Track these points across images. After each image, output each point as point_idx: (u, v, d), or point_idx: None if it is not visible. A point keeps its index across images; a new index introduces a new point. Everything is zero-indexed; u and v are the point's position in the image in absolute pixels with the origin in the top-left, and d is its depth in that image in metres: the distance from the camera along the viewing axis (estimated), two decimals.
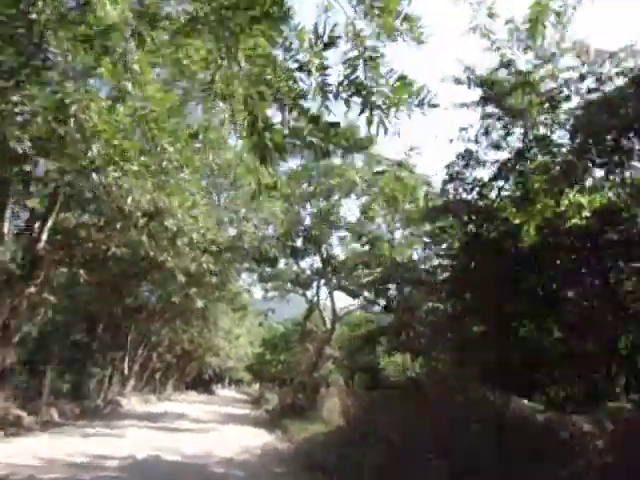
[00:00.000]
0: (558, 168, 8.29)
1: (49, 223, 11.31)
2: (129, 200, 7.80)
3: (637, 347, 7.51)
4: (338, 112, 5.28)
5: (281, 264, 25.27)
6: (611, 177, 7.84)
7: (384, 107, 5.14)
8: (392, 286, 8.72)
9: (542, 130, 8.18)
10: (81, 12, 5.75)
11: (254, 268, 24.75)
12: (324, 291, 25.17)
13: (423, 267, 8.63)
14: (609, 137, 7.32)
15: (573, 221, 8.16)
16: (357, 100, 5.29)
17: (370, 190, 20.17)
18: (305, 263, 26.18)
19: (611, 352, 7.59)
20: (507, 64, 8.06)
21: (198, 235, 9.46)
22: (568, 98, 7.86)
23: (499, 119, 8.44)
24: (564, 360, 7.69)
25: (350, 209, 23.34)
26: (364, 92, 5.23)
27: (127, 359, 25.17)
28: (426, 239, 8.64)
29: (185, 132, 7.31)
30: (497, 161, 8.21)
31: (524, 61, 8.02)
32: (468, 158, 8.08)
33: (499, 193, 8.45)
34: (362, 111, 5.26)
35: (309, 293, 25.30)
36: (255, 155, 5.37)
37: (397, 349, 9.44)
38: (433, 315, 8.33)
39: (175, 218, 7.81)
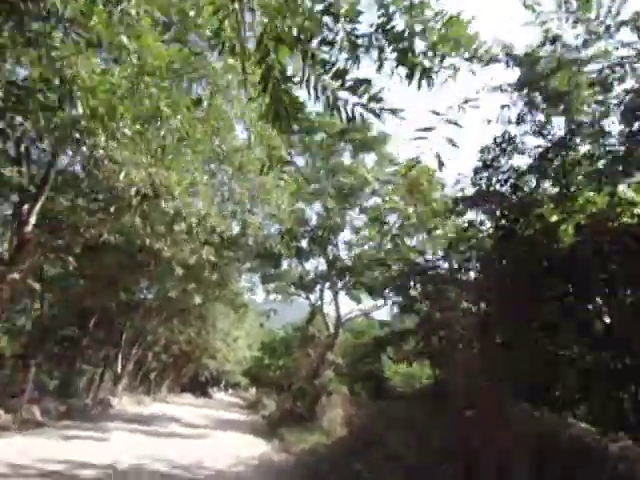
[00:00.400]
0: (606, 159, 7.35)
1: (38, 205, 10.43)
2: (122, 176, 6.89)
3: None
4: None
5: (285, 265, 24.41)
6: None
7: (428, 57, 4.24)
8: (413, 284, 7.82)
9: (589, 116, 7.25)
10: None
11: (256, 268, 23.88)
12: (328, 295, 24.21)
13: (447, 266, 7.72)
14: None
15: (622, 220, 7.23)
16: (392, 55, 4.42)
17: (382, 189, 19.30)
18: (310, 265, 25.34)
19: None
20: (553, 40, 7.16)
21: (199, 223, 8.52)
22: (622, 79, 6.93)
23: (538, 104, 7.51)
24: (610, 377, 6.69)
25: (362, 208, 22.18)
26: (403, 43, 4.34)
27: (121, 357, 24.22)
28: (451, 235, 7.71)
29: (186, 100, 6.40)
30: (538, 146, 7.27)
31: (572, 36, 7.12)
32: (507, 142, 7.17)
33: (537, 186, 7.51)
34: (399, 64, 4.38)
35: (312, 296, 24.35)
36: (268, 116, 4.50)
37: (423, 354, 8.46)
38: (468, 317, 7.38)
39: (172, 198, 6.91)
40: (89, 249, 12.67)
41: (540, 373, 6.78)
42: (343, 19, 4.25)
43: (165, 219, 9.08)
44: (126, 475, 7.71)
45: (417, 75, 4.29)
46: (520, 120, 7.16)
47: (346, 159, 22.00)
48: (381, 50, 4.42)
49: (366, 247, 23.93)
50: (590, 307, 7.67)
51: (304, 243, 22.82)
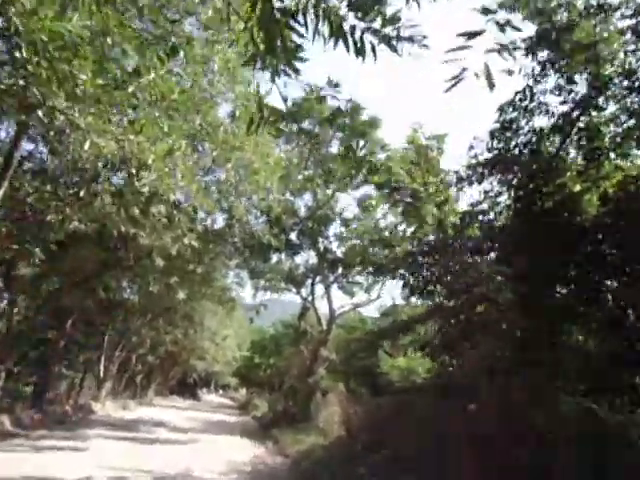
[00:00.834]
0: (636, 120, 6.55)
1: (1, 192, 9.33)
2: (86, 145, 5.89)
3: None
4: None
5: (274, 258, 23.44)
6: None
7: None
8: (427, 264, 6.96)
9: (618, 70, 6.45)
10: None
11: (243, 264, 22.88)
12: (320, 289, 23.33)
13: (460, 244, 6.87)
14: None
15: None
16: None
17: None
18: (300, 259, 24.40)
19: None
20: None
21: (178, 205, 7.53)
22: None
23: (559, 61, 6.68)
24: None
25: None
26: None
27: (103, 360, 23.03)
28: (466, 209, 6.88)
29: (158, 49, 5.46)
30: (564, 102, 6.45)
31: None
32: (528, 98, 6.34)
33: (558, 151, 6.70)
34: None
35: (304, 291, 23.44)
36: (255, 57, 3.61)
37: (447, 346, 7.58)
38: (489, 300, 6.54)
39: (146, 168, 5.93)
40: (60, 243, 11.61)
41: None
42: None
43: (140, 199, 8.04)
44: None
45: None
46: (541, 75, 6.33)
47: (334, 149, 21.11)
48: None
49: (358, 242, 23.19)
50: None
51: (293, 236, 21.91)
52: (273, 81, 4.76)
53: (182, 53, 5.48)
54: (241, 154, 8.73)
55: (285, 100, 4.52)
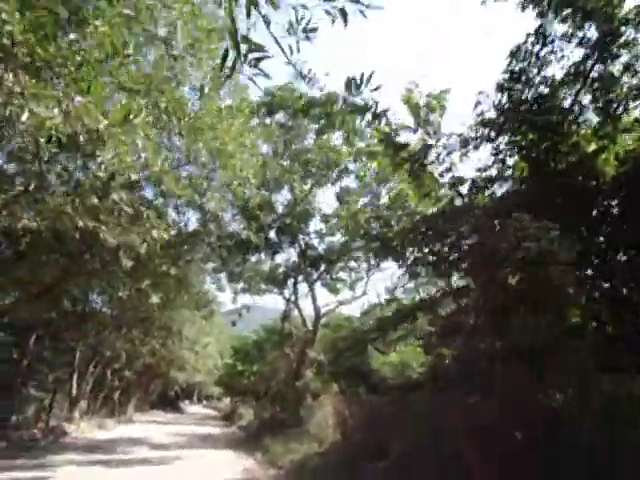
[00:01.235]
0: None
1: None
2: (24, 116, 4.82)
3: None
4: None
5: (253, 259, 22.38)
6: None
7: None
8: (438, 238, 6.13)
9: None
10: None
11: (222, 268, 21.73)
12: (303, 288, 22.38)
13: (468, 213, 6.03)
14: None
15: None
16: None
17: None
18: (280, 258, 23.41)
19: None
20: None
21: (136, 182, 6.40)
22: None
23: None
24: None
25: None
26: None
27: (75, 378, 21.51)
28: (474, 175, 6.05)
29: None
30: (581, 44, 5.68)
31: None
32: (541, 42, 5.55)
33: (571, 106, 5.94)
34: None
35: (286, 292, 22.42)
36: None
37: (456, 331, 6.72)
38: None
39: (100, 142, 4.90)
40: (14, 250, 10.38)
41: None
42: None
43: (97, 184, 6.91)
44: None
45: None
46: (555, 12, 5.55)
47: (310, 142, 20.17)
48: None
49: (338, 236, 22.36)
50: None
51: (272, 234, 20.89)
52: (249, 15, 3.83)
53: None
54: (213, 134, 7.73)
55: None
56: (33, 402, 18.85)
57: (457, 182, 5.85)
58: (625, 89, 6.02)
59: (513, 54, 5.67)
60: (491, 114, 5.74)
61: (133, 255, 9.81)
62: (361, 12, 3.50)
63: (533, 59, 5.61)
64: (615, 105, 5.99)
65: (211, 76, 8.17)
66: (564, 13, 5.48)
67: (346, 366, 20.03)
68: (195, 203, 11.90)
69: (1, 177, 7.87)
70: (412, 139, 5.96)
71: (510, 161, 5.92)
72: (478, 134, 5.70)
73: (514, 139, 5.82)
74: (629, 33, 5.98)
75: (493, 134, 5.70)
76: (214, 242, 18.35)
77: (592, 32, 5.93)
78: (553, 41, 5.61)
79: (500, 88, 5.65)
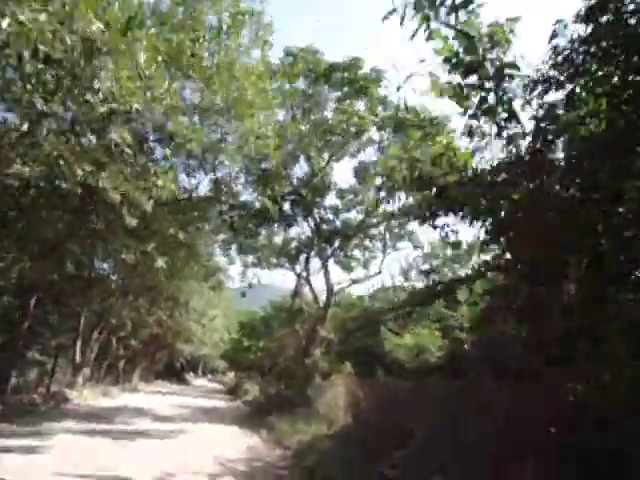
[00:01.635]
0: None
1: None
2: (5, 23, 3.95)
3: None
4: None
5: (265, 232, 21.54)
6: None
7: None
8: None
9: None
10: None
11: (232, 240, 20.95)
12: (316, 264, 21.60)
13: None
14: None
15: None
16: None
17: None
18: (293, 232, 22.57)
19: None
20: None
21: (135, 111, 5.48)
22: None
23: None
24: None
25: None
26: None
27: (79, 344, 21.07)
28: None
29: None
30: None
31: None
32: None
33: None
34: None
35: (298, 267, 21.62)
36: None
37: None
38: None
39: (94, 58, 4.01)
40: (15, 205, 9.64)
41: None
42: None
43: (93, 115, 5.99)
44: None
45: None
46: None
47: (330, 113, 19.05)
48: None
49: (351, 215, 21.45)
50: None
51: (287, 206, 20.00)
52: None
53: None
54: (229, 75, 6.80)
55: None
56: (35, 366, 18.47)
57: (517, 135, 4.88)
58: None
59: None
60: (568, 51, 4.76)
61: (138, 214, 9.01)
62: None
63: None
64: None
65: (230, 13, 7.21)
66: None
67: (356, 346, 19.36)
68: (205, 161, 10.99)
69: None
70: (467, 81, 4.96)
71: (583, 110, 4.93)
72: (550, 74, 4.74)
73: (593, 82, 4.84)
74: None
75: (568, 75, 4.72)
76: (226, 210, 17.56)
77: None
78: None
79: (582, 18, 4.66)
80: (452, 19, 3.94)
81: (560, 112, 4.99)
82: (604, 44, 4.78)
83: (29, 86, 4.84)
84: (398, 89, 4.95)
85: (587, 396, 5.60)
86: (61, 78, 4.97)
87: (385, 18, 3.79)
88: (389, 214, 20.87)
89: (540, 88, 4.93)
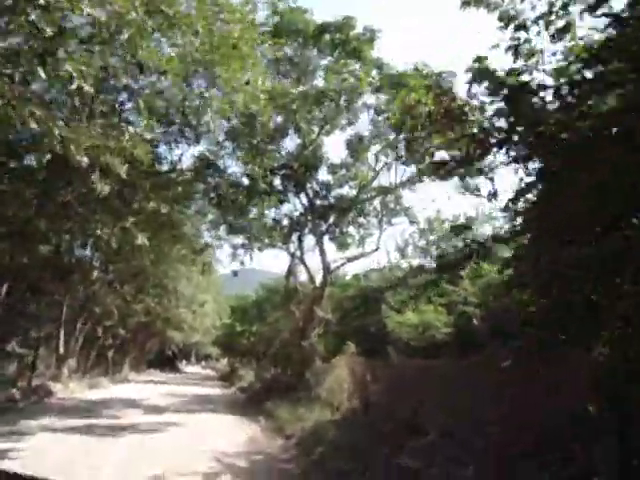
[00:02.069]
0: None
1: None
2: None
3: None
4: None
5: (254, 211, 20.37)
6: None
7: None
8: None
9: None
10: None
11: (220, 220, 19.78)
12: (310, 241, 20.52)
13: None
14: None
15: None
16: None
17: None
18: (285, 209, 21.44)
19: None
20: None
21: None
22: None
23: None
24: None
25: None
26: None
27: (63, 335, 19.93)
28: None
29: None
30: None
31: None
32: None
33: None
34: None
35: (291, 246, 20.54)
36: None
37: None
38: None
39: None
40: None
41: None
42: None
43: (38, 43, 4.73)
44: None
45: None
46: None
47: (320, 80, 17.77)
48: None
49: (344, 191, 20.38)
50: None
51: (277, 181, 18.85)
52: None
53: None
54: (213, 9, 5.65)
55: None
56: (15, 359, 17.33)
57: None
58: None
59: None
60: None
61: (113, 181, 7.86)
62: None
63: None
64: None
65: None
66: None
67: (354, 326, 18.48)
68: (188, 126, 9.79)
69: None
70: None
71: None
72: None
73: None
74: None
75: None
76: (212, 186, 16.39)
77: None
78: None
79: None
80: None
81: None
82: None
83: None
84: None
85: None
86: None
87: None
88: (384, 188, 19.92)
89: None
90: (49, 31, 4.45)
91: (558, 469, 4.85)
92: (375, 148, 19.36)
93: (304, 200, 19.65)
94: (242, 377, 27.62)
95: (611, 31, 3.78)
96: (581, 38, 4.15)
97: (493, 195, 4.96)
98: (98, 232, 8.86)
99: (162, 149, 12.98)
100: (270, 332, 27.37)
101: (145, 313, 27.67)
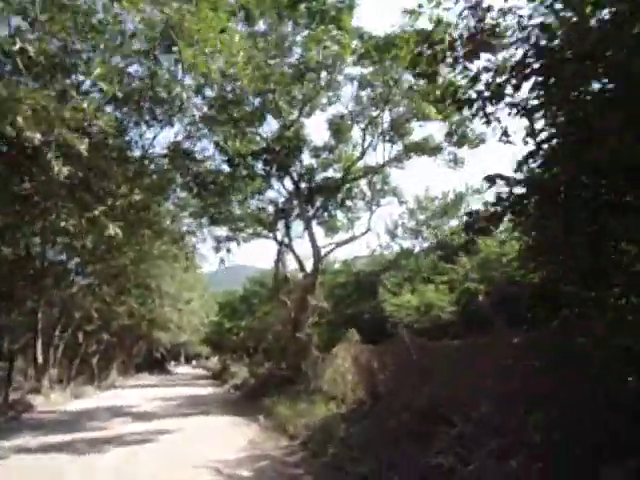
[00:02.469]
0: None
1: None
2: None
3: None
4: None
5: (235, 201, 19.29)
6: None
7: None
8: None
9: None
10: None
11: (200, 212, 18.66)
12: (297, 227, 19.57)
13: None
14: None
15: None
16: None
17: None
18: (270, 195, 20.43)
19: None
20: None
21: None
22: None
23: None
24: None
25: None
26: None
27: (39, 344, 18.64)
28: None
29: None
30: None
31: None
32: None
33: None
34: None
35: (278, 234, 19.55)
36: None
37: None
38: None
39: None
40: None
41: None
42: None
43: None
44: None
45: None
46: None
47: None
48: None
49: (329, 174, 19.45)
50: None
51: (260, 166, 17.79)
52: None
53: None
54: None
55: None
56: None
57: None
58: None
59: None
60: None
61: (75, 166, 6.76)
62: None
63: None
64: None
65: None
66: None
67: (349, 313, 17.66)
68: (159, 103, 8.69)
69: None
70: None
71: None
72: None
73: None
74: None
75: None
76: (190, 176, 15.30)
77: None
78: None
79: None
80: None
81: None
82: None
83: None
84: None
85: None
86: None
87: None
88: (371, 168, 19.08)
89: None
90: None
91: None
92: (359, 127, 18.50)
93: (289, 184, 18.70)
94: (235, 374, 26.62)
95: None
96: None
97: (532, 134, 4.07)
98: (62, 224, 7.75)
99: (132, 133, 11.84)
100: (261, 325, 26.44)
101: (128, 315, 26.41)
